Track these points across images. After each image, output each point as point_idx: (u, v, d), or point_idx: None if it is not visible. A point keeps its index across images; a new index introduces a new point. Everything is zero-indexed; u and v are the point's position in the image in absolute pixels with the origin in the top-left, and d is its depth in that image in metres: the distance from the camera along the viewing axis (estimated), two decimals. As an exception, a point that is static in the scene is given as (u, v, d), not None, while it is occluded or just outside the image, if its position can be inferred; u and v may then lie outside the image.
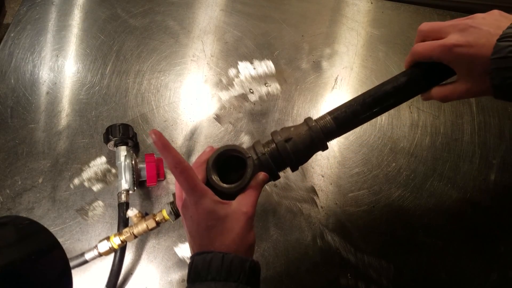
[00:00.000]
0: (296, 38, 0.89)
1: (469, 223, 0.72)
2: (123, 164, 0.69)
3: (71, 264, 0.62)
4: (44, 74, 0.84)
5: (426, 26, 0.51)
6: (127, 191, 0.68)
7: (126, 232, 0.62)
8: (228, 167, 0.54)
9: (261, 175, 0.51)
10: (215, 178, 0.51)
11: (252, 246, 0.49)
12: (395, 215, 0.73)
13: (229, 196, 0.50)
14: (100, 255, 0.62)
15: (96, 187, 0.75)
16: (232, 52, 0.87)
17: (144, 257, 0.71)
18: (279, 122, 0.80)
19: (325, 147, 0.54)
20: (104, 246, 0.62)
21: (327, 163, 0.77)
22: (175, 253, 0.71)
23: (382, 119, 0.80)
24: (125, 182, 0.68)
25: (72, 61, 0.86)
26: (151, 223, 0.61)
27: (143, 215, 0.64)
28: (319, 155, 0.77)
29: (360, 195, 0.74)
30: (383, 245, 0.71)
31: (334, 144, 0.78)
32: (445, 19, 0.89)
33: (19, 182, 0.75)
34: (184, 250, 0.70)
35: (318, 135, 0.52)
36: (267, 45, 0.88)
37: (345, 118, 0.53)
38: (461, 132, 0.79)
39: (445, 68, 0.49)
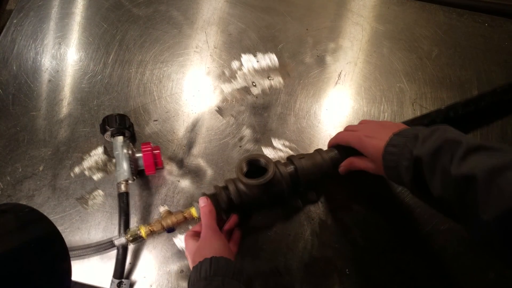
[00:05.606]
0: (300, 31, 0.88)
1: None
2: (120, 154, 0.69)
3: (98, 247, 0.65)
4: (46, 62, 0.84)
5: (349, 127, 0.71)
6: (126, 181, 0.68)
7: (157, 223, 0.65)
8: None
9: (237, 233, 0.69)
10: (243, 177, 0.63)
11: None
12: (395, 212, 0.73)
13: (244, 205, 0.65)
14: (128, 242, 0.65)
15: (97, 176, 0.75)
16: (236, 44, 0.86)
17: (143, 247, 0.71)
18: (281, 116, 0.80)
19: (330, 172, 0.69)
20: (134, 236, 0.65)
21: (328, 158, 0.77)
22: (174, 244, 0.71)
23: (385, 116, 0.80)
24: (123, 172, 0.68)
25: (74, 49, 0.85)
26: (180, 219, 0.66)
27: (171, 211, 0.69)
28: (320, 150, 0.77)
29: (360, 191, 0.74)
30: (382, 242, 0.71)
31: (336, 140, 0.78)
32: (451, 17, 0.89)
33: (20, 170, 0.75)
34: (182, 241, 0.70)
35: (327, 163, 0.67)
36: (271, 38, 0.87)
37: None
38: (463, 132, 0.79)
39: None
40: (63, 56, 0.85)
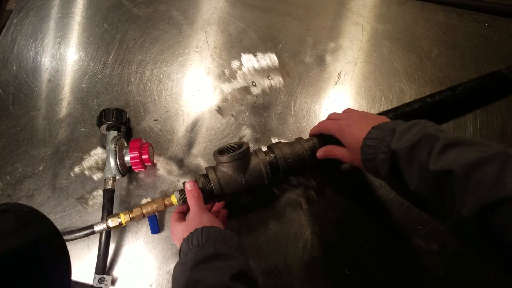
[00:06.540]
0: (300, 31, 0.88)
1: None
2: (110, 150, 0.69)
3: (79, 234, 0.65)
4: (46, 62, 0.84)
5: (332, 115, 0.70)
6: (114, 177, 0.68)
7: (137, 210, 0.65)
8: None
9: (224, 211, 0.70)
10: (218, 155, 0.65)
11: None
12: (395, 211, 0.73)
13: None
14: (109, 228, 0.65)
15: (97, 176, 0.75)
16: (236, 44, 0.86)
17: (143, 246, 0.71)
18: (281, 116, 0.80)
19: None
20: (114, 222, 0.65)
21: (328, 158, 0.77)
22: (174, 244, 0.71)
23: (385, 116, 0.80)
24: (110, 168, 0.68)
25: (74, 49, 0.85)
26: (160, 206, 0.66)
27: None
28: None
29: (360, 191, 0.74)
30: (382, 242, 0.71)
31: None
32: (451, 17, 0.89)
33: (20, 169, 0.75)
34: (183, 241, 0.70)
35: (306, 149, 0.68)
36: (271, 37, 0.87)
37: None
38: (463, 131, 0.79)
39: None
40: (63, 56, 0.85)
